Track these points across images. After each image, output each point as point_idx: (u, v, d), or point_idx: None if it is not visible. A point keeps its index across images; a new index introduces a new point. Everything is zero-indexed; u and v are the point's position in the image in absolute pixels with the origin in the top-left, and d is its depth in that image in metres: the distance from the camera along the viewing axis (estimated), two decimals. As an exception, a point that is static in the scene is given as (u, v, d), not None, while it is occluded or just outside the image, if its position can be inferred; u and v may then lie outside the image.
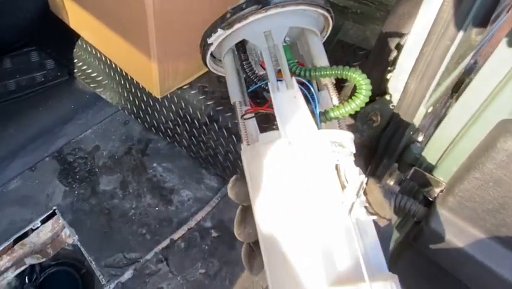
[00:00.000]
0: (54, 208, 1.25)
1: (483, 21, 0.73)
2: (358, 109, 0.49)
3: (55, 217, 1.27)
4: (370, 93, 0.48)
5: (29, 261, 1.28)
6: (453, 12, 0.66)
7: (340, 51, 1.22)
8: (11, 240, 1.21)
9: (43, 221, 1.27)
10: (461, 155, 0.69)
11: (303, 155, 0.43)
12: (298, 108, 0.47)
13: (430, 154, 0.74)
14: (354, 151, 0.46)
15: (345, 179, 0.42)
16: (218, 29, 0.55)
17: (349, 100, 0.50)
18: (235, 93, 0.58)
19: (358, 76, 0.48)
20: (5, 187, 1.30)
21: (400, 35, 0.86)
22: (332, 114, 0.50)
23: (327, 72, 0.51)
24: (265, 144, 0.45)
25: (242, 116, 0.53)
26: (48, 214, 1.25)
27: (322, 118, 0.50)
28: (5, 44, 1.75)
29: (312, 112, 0.48)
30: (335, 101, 0.53)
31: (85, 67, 1.62)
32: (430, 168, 0.74)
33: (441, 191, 0.70)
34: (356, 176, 0.42)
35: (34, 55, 1.76)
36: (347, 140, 0.45)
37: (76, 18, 1.58)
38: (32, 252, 1.28)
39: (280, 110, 0.48)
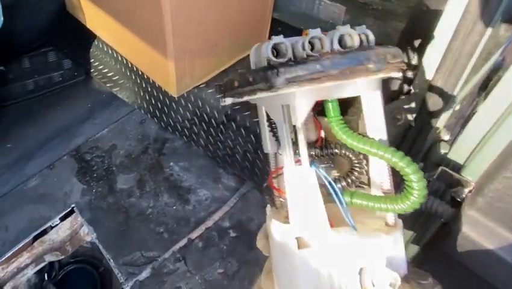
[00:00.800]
0: (73, 205, 1.27)
1: (514, 16, 0.71)
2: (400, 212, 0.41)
3: (74, 214, 1.28)
4: (423, 199, 0.39)
5: (49, 258, 1.31)
6: (481, 7, 0.65)
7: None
8: (31, 237, 1.24)
9: (62, 219, 1.29)
10: (490, 154, 0.67)
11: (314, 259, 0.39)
12: (312, 202, 0.41)
13: (457, 153, 0.73)
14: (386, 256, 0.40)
15: (372, 284, 0.37)
16: (227, 98, 0.47)
17: (391, 197, 0.41)
18: (265, 145, 0.55)
19: (411, 171, 0.38)
20: (24, 185, 1.33)
21: (425, 32, 0.85)
22: (357, 201, 0.42)
23: (368, 149, 0.42)
24: (276, 234, 0.43)
25: (271, 175, 0.50)
26: (67, 211, 1.27)
27: (346, 198, 0.43)
28: (23, 45, 1.79)
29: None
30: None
31: (101, 67, 1.65)
32: (458, 168, 0.72)
33: (470, 191, 0.69)
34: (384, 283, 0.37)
35: (51, 55, 1.80)
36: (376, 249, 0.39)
37: (93, 19, 1.60)
38: (51, 249, 1.30)
39: (292, 200, 0.42)
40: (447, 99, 0.73)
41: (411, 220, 0.82)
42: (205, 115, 1.29)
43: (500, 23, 0.70)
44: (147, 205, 1.24)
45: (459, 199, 0.70)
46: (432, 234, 0.76)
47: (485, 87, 0.88)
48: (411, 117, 0.79)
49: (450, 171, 0.72)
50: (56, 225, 1.29)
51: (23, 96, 1.63)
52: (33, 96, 1.65)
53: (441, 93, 0.72)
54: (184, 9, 1.09)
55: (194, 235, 1.17)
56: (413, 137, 0.78)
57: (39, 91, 1.66)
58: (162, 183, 1.29)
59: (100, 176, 1.33)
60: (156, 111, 1.44)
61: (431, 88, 0.74)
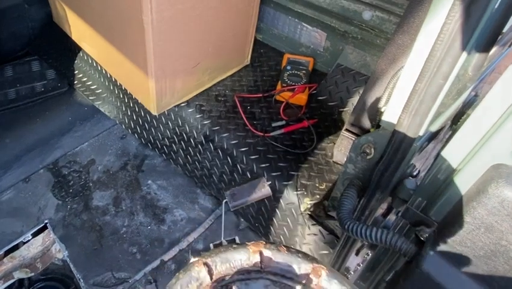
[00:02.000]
0: (46, 221, 1.26)
1: (478, 59, 0.73)
2: None
3: (46, 230, 1.27)
4: None
5: (18, 275, 1.28)
6: (446, 49, 0.66)
7: (340, 75, 1.22)
8: (1, 252, 1.22)
9: (34, 235, 1.27)
10: (454, 195, 0.68)
11: None
12: None
13: (423, 191, 0.73)
14: None
15: None
16: None
17: None
18: None
19: None
20: (-2, 197, 1.31)
21: (398, 66, 0.86)
22: None
23: None
24: None
25: None
26: (39, 227, 1.26)
27: None
28: (7, 53, 1.79)
29: None
30: None
31: (85, 79, 1.64)
32: (423, 207, 0.73)
33: (433, 231, 0.69)
34: None
35: (35, 64, 1.79)
36: None
37: (78, 31, 1.60)
38: (21, 266, 1.28)
39: None
40: (414, 136, 0.74)
41: (376, 256, 0.83)
42: (184, 134, 1.29)
43: (466, 65, 0.71)
44: (122, 224, 1.23)
45: (422, 238, 0.71)
46: (397, 272, 0.77)
47: (457, 121, 0.90)
48: (380, 151, 0.80)
49: (415, 210, 0.72)
50: (28, 241, 1.27)
51: (4, 105, 1.62)
52: (14, 105, 1.63)
53: (407, 130, 0.73)
54: (166, 30, 1.10)
55: (167, 256, 1.16)
56: (381, 172, 0.79)
57: (20, 101, 1.65)
58: (138, 202, 1.28)
59: (76, 192, 1.32)
60: (137, 127, 1.44)
61: (399, 125, 0.74)
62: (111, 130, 1.52)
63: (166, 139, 1.36)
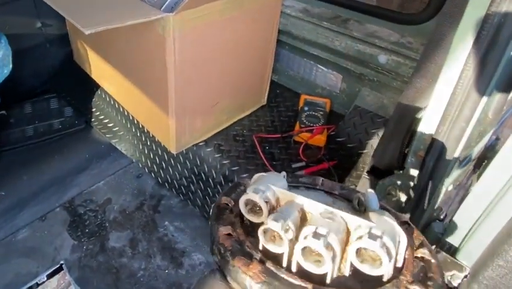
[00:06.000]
0: (61, 262, 1.28)
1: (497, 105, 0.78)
2: None
3: (62, 272, 1.28)
4: None
5: (31, 319, 1.28)
6: (466, 94, 0.71)
7: (358, 117, 1.28)
8: (15, 295, 1.23)
9: (49, 276, 1.28)
10: (484, 238, 0.71)
11: None
12: None
13: (453, 235, 0.76)
14: None
15: None
16: None
17: None
18: None
19: None
20: (13, 236, 1.34)
21: (417, 109, 0.92)
22: None
23: None
24: None
25: None
26: (55, 268, 1.27)
27: None
28: (27, 90, 1.89)
29: None
30: None
31: (102, 117, 1.73)
32: (454, 251, 0.75)
33: (465, 276, 0.71)
34: None
35: (53, 101, 1.89)
36: None
37: (98, 70, 1.71)
38: (34, 309, 1.28)
39: None
40: (440, 179, 0.78)
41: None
42: (203, 174, 1.34)
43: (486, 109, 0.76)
44: (139, 267, 1.24)
45: (455, 284, 0.72)
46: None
47: (480, 165, 0.93)
48: (405, 193, 0.83)
49: (445, 254, 0.74)
50: (43, 282, 1.28)
51: (21, 142, 1.68)
52: (32, 142, 1.70)
53: (432, 172, 0.77)
54: (187, 70, 1.19)
55: (185, 301, 1.17)
56: (409, 214, 0.82)
57: (38, 138, 1.72)
58: (155, 244, 1.30)
59: (92, 232, 1.35)
60: (154, 166, 1.49)
61: (423, 167, 0.78)
62: (127, 169, 1.57)
63: (184, 179, 1.40)
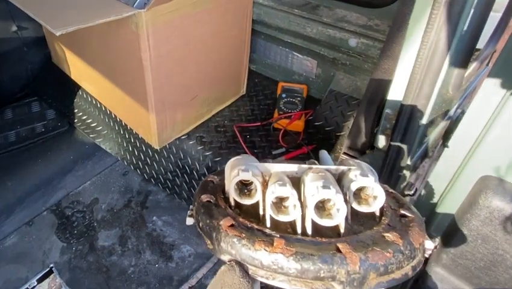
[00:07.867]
0: (51, 265, 1.30)
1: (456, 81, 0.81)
2: None
3: (52, 275, 1.31)
4: None
5: (25, 323, 1.31)
6: (425, 72, 0.74)
7: (334, 100, 1.31)
8: (7, 301, 1.25)
9: (39, 280, 1.31)
10: (450, 210, 0.74)
11: None
12: None
13: (421, 209, 0.79)
14: None
15: None
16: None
17: None
18: None
19: None
20: (1, 243, 1.37)
21: (386, 89, 0.95)
22: None
23: None
24: None
25: None
26: (45, 272, 1.30)
27: None
28: (6, 95, 1.89)
29: None
30: None
31: (85, 117, 1.74)
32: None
33: (435, 247, 0.75)
34: None
35: (35, 105, 1.89)
36: None
37: (77, 70, 1.72)
38: (27, 313, 1.31)
39: None
40: (407, 156, 0.81)
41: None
42: (187, 167, 1.36)
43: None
44: (129, 264, 1.28)
45: (426, 255, 0.76)
46: (405, 290, 0.82)
47: (446, 139, 0.97)
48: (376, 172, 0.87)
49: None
50: (34, 287, 1.31)
51: (4, 148, 1.69)
52: (14, 147, 1.71)
53: (399, 151, 0.80)
54: (163, 65, 1.20)
55: (176, 294, 1.20)
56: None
57: (21, 143, 1.73)
58: (144, 239, 1.33)
59: (80, 233, 1.38)
60: (139, 163, 1.52)
61: (391, 146, 0.82)
62: (113, 168, 1.59)
63: (169, 173, 1.43)
